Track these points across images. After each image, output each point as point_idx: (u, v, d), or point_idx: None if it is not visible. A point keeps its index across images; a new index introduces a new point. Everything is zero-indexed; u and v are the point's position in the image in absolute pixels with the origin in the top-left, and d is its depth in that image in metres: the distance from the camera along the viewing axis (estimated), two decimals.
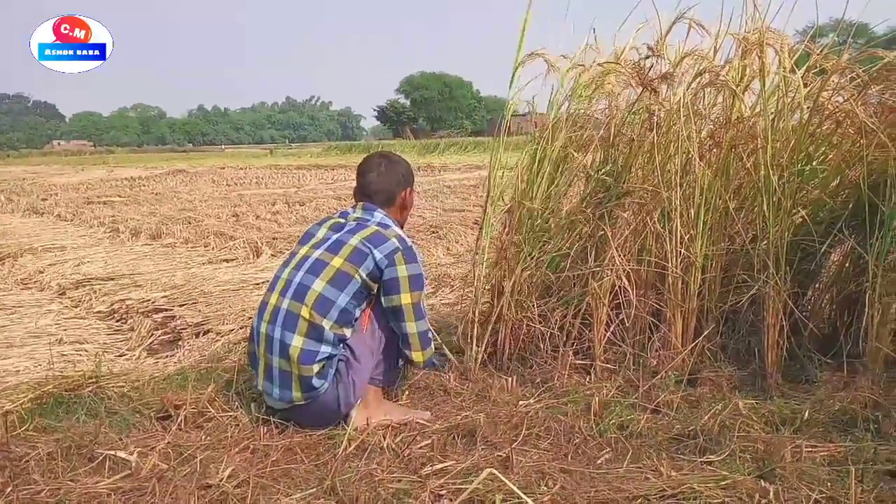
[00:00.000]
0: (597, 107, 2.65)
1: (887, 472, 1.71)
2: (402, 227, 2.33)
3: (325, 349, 2.06)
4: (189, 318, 3.96)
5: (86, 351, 3.57)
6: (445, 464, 1.78)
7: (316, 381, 2.05)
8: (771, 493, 1.59)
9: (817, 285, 2.63)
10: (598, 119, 2.69)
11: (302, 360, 2.04)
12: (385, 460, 1.84)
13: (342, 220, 2.27)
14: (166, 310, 4.23)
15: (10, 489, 1.70)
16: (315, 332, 2.05)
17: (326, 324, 2.05)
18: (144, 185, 15.95)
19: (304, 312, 2.05)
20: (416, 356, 2.18)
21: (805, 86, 2.33)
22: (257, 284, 4.81)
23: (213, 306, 4.22)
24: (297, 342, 2.04)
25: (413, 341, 2.16)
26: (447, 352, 2.59)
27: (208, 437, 2.01)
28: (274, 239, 6.67)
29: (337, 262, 2.09)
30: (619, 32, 2.56)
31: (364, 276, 2.09)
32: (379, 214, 2.26)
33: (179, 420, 2.10)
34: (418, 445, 1.91)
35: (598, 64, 2.47)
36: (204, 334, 3.75)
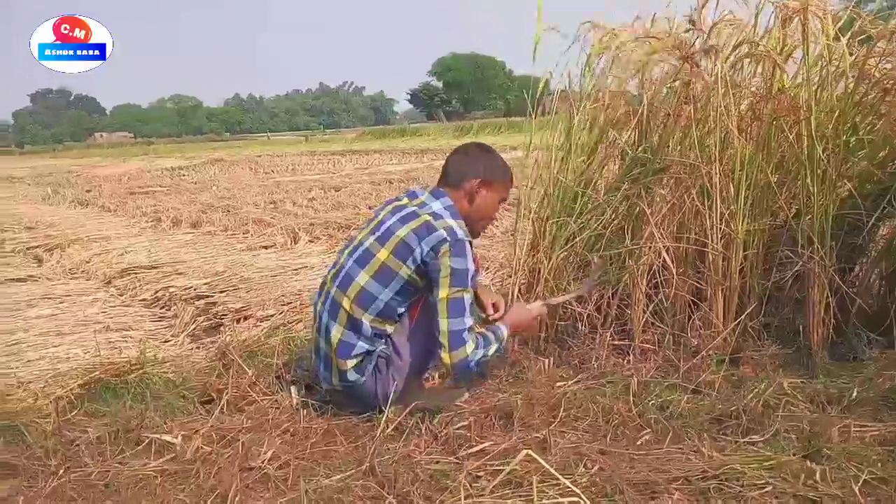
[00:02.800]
0: (631, 82, 2.60)
1: None
2: (470, 224, 2.11)
3: (363, 345, 2.04)
4: (230, 305, 4.03)
5: (132, 338, 3.67)
6: (483, 445, 1.78)
7: (351, 375, 2.06)
8: (817, 474, 1.55)
9: (865, 260, 2.54)
10: (633, 94, 2.63)
11: (339, 352, 2.05)
12: (423, 442, 1.86)
13: (405, 202, 2.14)
14: (208, 296, 4.31)
15: (62, 471, 1.76)
16: (354, 326, 2.04)
17: (366, 318, 2.03)
18: (184, 175, 16.25)
19: (346, 304, 2.04)
20: (444, 356, 1.97)
21: (850, 54, 2.24)
22: (296, 270, 4.87)
23: (254, 292, 4.28)
24: (336, 332, 2.05)
25: (442, 340, 1.96)
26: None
27: (250, 421, 2.05)
28: (311, 225, 6.73)
29: (383, 254, 2.03)
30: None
31: (411, 271, 2.01)
32: (441, 201, 2.10)
33: (222, 404, 2.15)
34: (455, 427, 1.91)
35: (637, 38, 2.41)
36: (245, 319, 3.81)
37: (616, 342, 2.46)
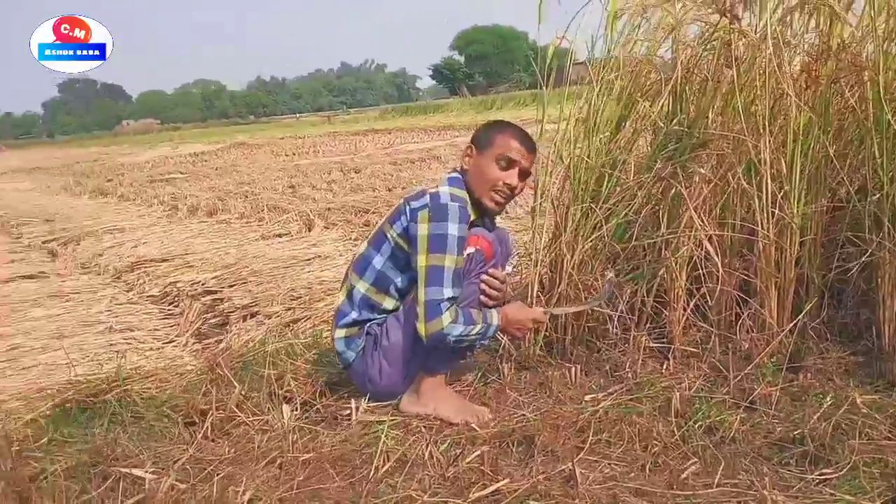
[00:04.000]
0: (662, 46, 2.26)
1: None
2: (478, 195, 1.96)
3: (353, 314, 2.00)
4: (237, 300, 3.81)
5: (135, 339, 3.49)
6: (497, 484, 1.50)
7: (339, 345, 2.02)
8: None
9: None
10: (664, 60, 2.30)
11: (336, 318, 2.05)
12: (427, 478, 1.59)
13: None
14: (216, 292, 4.11)
15: None
16: (350, 293, 2.02)
17: (361, 286, 1.99)
18: (206, 161, 16.15)
19: (348, 271, 2.07)
20: (419, 327, 1.83)
21: None
22: (307, 261, 4.64)
23: (263, 286, 4.06)
24: (339, 297, 2.08)
25: (418, 309, 1.83)
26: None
27: (233, 449, 1.80)
28: (328, 210, 6.50)
29: (382, 221, 2.03)
30: None
31: (397, 234, 1.93)
32: (451, 175, 2.03)
33: (205, 428, 1.90)
34: (467, 459, 1.63)
35: None
36: (252, 317, 3.60)
37: (653, 344, 2.16)
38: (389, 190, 7.65)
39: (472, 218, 1.96)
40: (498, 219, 2.22)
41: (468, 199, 1.94)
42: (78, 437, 1.94)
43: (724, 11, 1.93)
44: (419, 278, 1.85)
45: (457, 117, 26.34)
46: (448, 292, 1.82)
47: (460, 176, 2.00)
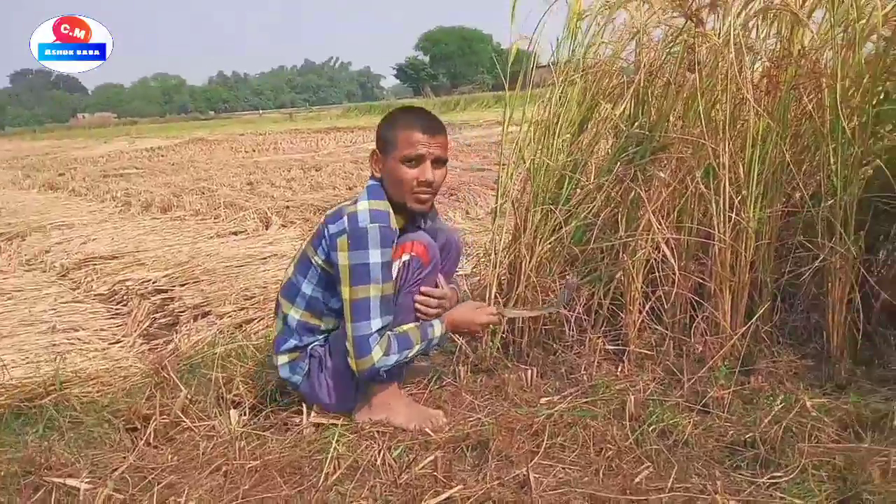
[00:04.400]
0: (626, 48, 2.25)
1: None
2: (397, 199, 1.83)
3: (292, 340, 1.93)
4: (188, 300, 3.69)
5: (79, 339, 3.35)
6: (450, 491, 1.46)
7: (283, 372, 1.95)
8: None
9: (891, 248, 2.23)
10: (626, 62, 2.29)
11: (274, 345, 1.98)
12: (378, 485, 1.54)
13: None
14: (166, 290, 3.98)
15: None
16: (285, 319, 1.95)
17: (294, 312, 1.92)
18: (163, 156, 15.76)
19: (279, 297, 1.98)
20: (351, 363, 1.77)
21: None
22: (263, 259, 4.53)
23: (216, 285, 3.95)
24: (276, 325, 2.00)
25: (348, 346, 1.76)
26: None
27: (177, 456, 1.73)
28: (286, 208, 6.39)
29: (305, 244, 1.95)
30: None
31: (320, 260, 1.84)
32: (371, 182, 1.88)
33: (147, 434, 1.82)
34: (420, 466, 1.59)
35: None
36: (203, 317, 3.49)
37: (608, 346, 2.15)
38: (350, 188, 7.55)
39: (401, 225, 1.86)
40: (456, 218, 2.18)
41: (391, 210, 1.81)
42: (9, 445, 1.84)
43: (690, 15, 1.93)
44: (344, 311, 1.77)
45: None
46: (376, 324, 1.74)
47: (379, 183, 1.87)
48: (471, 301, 2.07)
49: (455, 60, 73.66)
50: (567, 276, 2.12)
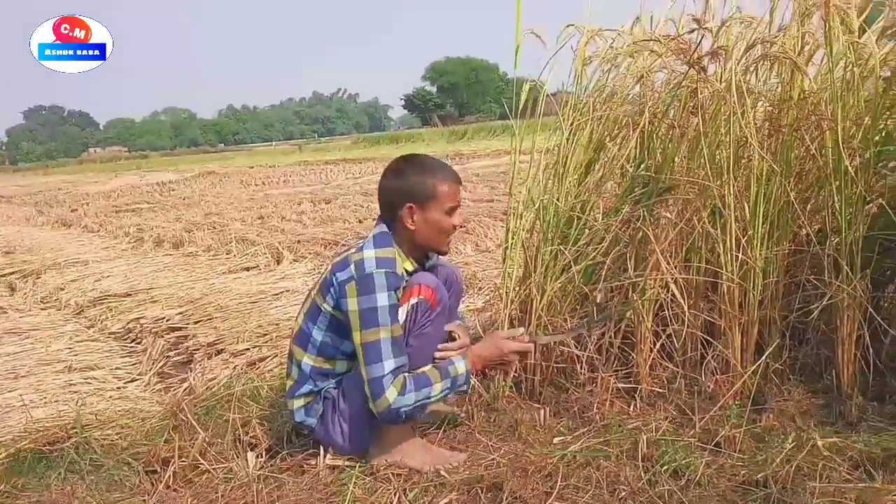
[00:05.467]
0: (631, 91, 2.31)
1: None
2: (425, 247, 1.95)
3: (307, 385, 1.97)
4: (202, 338, 3.75)
5: (95, 379, 3.39)
6: None
7: (298, 416, 1.98)
8: None
9: None
10: (631, 106, 2.34)
11: (288, 392, 2.00)
12: None
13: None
14: (181, 328, 4.03)
15: None
16: (299, 366, 1.98)
17: (308, 358, 1.96)
18: (174, 190, 15.97)
19: (291, 345, 2.03)
20: (371, 407, 1.79)
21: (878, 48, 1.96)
22: (276, 295, 4.58)
23: (229, 321, 4.00)
24: (290, 373, 2.02)
25: (366, 389, 1.78)
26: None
27: (196, 499, 1.76)
28: (297, 242, 6.46)
29: (314, 292, 1.99)
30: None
31: (330, 307, 1.88)
32: (378, 230, 1.93)
33: (167, 477, 1.85)
34: None
35: (635, 43, 2.12)
36: (217, 354, 3.53)
37: (620, 384, 2.17)
38: (360, 221, 7.64)
39: (413, 269, 1.93)
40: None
41: (397, 257, 1.88)
42: (32, 489, 1.87)
43: (692, 63, 1.98)
44: (358, 357, 1.80)
45: (428, 147, 26.52)
46: (389, 365, 1.76)
47: (388, 232, 1.92)
48: (498, 331, 2.05)
49: (462, 90, 74.57)
50: (595, 293, 2.13)
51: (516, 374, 2.25)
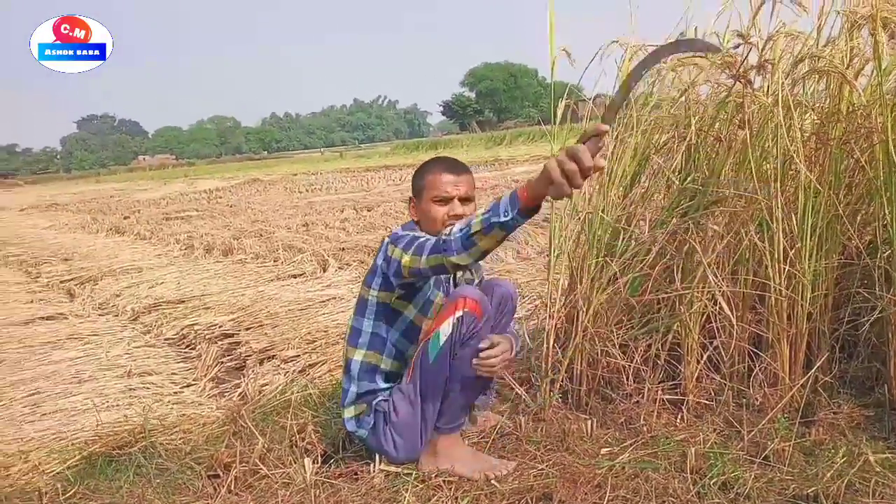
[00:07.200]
0: (677, 102, 2.33)
1: None
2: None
3: (353, 388, 2.04)
4: (254, 344, 3.87)
5: (153, 384, 3.53)
6: None
7: (350, 425, 2.06)
8: None
9: None
10: (678, 116, 2.36)
11: (342, 400, 2.08)
12: None
13: None
14: (232, 334, 4.17)
15: None
16: (348, 369, 2.07)
17: (357, 355, 2.04)
18: (221, 198, 16.37)
19: (345, 346, 2.10)
20: (443, 260, 1.67)
21: None
22: (323, 302, 4.69)
23: (279, 328, 4.12)
24: (344, 378, 2.09)
25: (433, 259, 1.71)
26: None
27: (257, 503, 1.84)
28: (341, 250, 6.58)
29: (361, 288, 2.10)
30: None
31: (375, 291, 2.00)
32: (406, 223, 2.15)
33: (229, 481, 1.94)
34: None
35: (680, 59, 2.14)
36: (269, 360, 3.65)
37: (667, 396, 2.19)
38: (404, 223, 7.73)
39: None
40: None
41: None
42: (104, 491, 1.99)
43: (738, 77, 2.00)
44: (407, 260, 1.79)
45: (466, 153, 26.62)
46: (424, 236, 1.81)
47: (413, 223, 2.11)
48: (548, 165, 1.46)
49: (501, 95, 74.56)
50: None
51: (562, 384, 2.28)
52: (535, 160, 17.59)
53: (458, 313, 1.89)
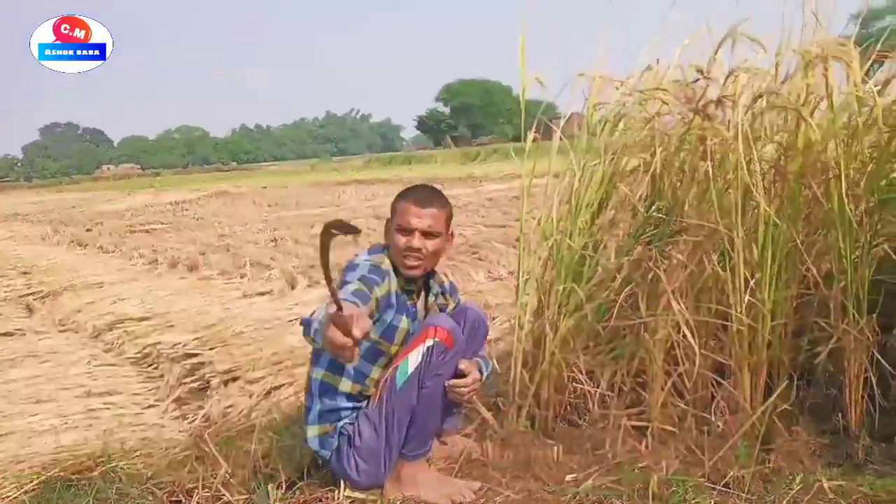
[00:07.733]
0: (639, 134, 2.38)
1: None
2: (402, 269, 2.04)
3: (316, 406, 2.01)
4: (219, 364, 3.80)
5: (114, 404, 3.46)
6: None
7: (313, 444, 2.03)
8: None
9: None
10: (644, 142, 2.42)
11: (304, 418, 2.07)
12: None
13: None
14: (196, 354, 4.09)
15: None
16: (309, 387, 2.05)
17: (317, 373, 2.02)
18: (187, 210, 16.14)
19: (307, 366, 2.09)
20: None
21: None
22: (290, 321, 4.65)
23: (245, 348, 4.06)
24: (306, 395, 2.09)
25: None
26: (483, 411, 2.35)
27: None
28: (311, 267, 6.52)
29: None
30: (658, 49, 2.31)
31: None
32: (373, 246, 2.17)
33: None
34: None
35: (640, 91, 2.20)
36: (233, 381, 3.59)
37: (632, 422, 2.22)
38: (373, 245, 7.71)
39: (399, 287, 2.04)
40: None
41: (387, 264, 2.02)
42: None
43: (698, 110, 2.06)
44: None
45: (440, 168, 26.71)
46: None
47: (382, 248, 2.11)
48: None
49: (475, 111, 75.14)
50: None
51: (529, 410, 2.30)
52: (509, 178, 17.73)
53: (429, 342, 1.91)
